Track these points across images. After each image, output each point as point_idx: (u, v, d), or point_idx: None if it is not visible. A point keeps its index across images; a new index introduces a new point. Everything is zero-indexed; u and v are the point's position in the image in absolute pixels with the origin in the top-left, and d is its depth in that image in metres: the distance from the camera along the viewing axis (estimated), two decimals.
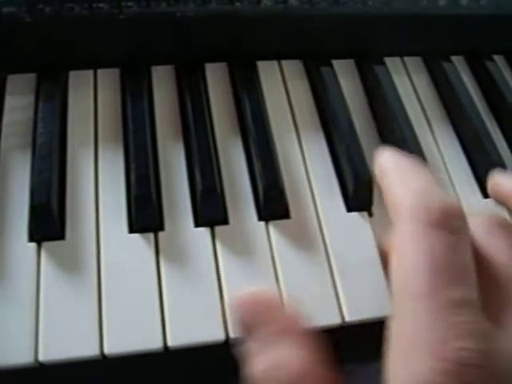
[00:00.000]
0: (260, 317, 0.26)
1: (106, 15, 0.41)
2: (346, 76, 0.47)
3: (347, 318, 0.33)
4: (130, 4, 0.41)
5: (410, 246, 0.25)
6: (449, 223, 0.25)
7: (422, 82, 0.48)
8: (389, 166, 0.30)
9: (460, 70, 0.49)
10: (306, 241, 0.36)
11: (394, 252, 0.26)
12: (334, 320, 0.33)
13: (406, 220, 0.26)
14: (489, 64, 0.49)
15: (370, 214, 0.38)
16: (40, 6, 0.40)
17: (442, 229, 0.25)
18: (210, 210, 0.36)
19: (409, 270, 0.24)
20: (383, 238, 0.34)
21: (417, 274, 0.24)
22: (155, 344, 0.32)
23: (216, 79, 0.45)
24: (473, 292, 0.24)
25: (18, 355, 0.31)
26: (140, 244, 0.35)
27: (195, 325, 0.33)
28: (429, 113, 0.46)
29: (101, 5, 0.41)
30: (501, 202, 0.35)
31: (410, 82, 0.48)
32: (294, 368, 0.24)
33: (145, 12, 0.41)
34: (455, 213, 0.26)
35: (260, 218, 0.37)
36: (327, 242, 0.36)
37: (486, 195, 0.41)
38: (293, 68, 0.47)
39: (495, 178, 0.36)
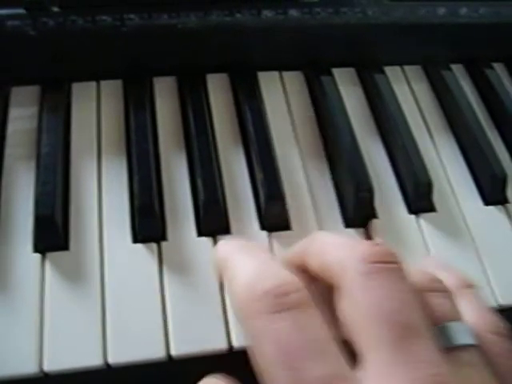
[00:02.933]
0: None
1: (109, 28, 0.41)
2: (346, 85, 0.47)
3: None
4: (132, 16, 0.41)
5: (257, 342, 0.24)
6: (285, 301, 0.24)
7: (422, 90, 0.48)
8: (222, 259, 0.30)
9: (460, 78, 0.49)
10: None
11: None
12: None
13: (244, 319, 0.25)
14: (488, 72, 0.49)
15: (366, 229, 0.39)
16: (44, 20, 0.41)
17: (278, 311, 0.24)
18: (213, 220, 0.37)
19: (266, 367, 0.23)
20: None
21: (273, 369, 0.23)
22: (159, 353, 0.32)
23: (217, 90, 0.45)
24: (337, 361, 0.23)
25: (23, 365, 0.31)
26: (143, 254, 0.35)
27: (198, 334, 0.33)
28: (429, 121, 0.46)
29: (103, 17, 0.41)
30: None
31: (410, 91, 0.48)
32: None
33: (147, 24, 0.42)
34: (286, 289, 0.24)
35: (262, 228, 0.37)
36: None
37: (486, 203, 0.41)
38: (293, 78, 0.47)
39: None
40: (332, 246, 0.27)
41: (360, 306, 0.24)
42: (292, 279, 0.25)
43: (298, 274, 0.26)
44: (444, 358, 0.23)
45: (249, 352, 0.25)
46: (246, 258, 0.28)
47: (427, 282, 0.26)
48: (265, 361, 0.24)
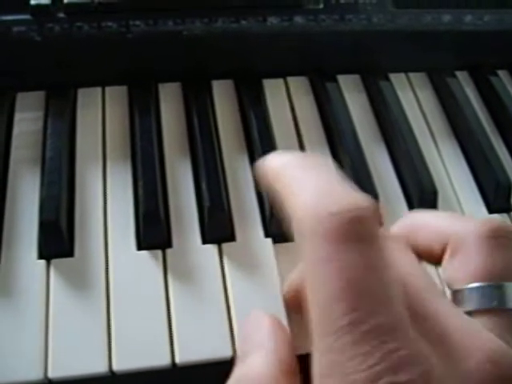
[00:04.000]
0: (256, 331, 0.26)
1: (114, 34, 0.42)
2: (351, 92, 0.47)
3: None
4: (137, 23, 0.42)
5: (319, 271, 0.20)
6: (361, 231, 0.21)
7: (427, 97, 0.48)
8: (279, 168, 0.25)
9: (464, 84, 0.49)
10: None
11: (307, 284, 0.21)
12: None
13: (306, 238, 0.21)
14: (493, 79, 0.49)
15: None
16: (49, 25, 0.41)
17: (349, 240, 0.20)
18: (218, 227, 0.37)
19: (325, 301, 0.20)
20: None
21: (333, 307, 0.20)
22: (163, 361, 0.32)
23: (222, 96, 0.45)
24: (399, 312, 0.20)
25: (27, 371, 0.31)
26: (148, 261, 0.35)
27: (203, 341, 0.33)
28: (433, 128, 0.46)
29: (109, 24, 0.41)
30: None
31: (414, 98, 0.48)
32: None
33: (152, 31, 0.42)
34: (361, 215, 0.21)
35: (267, 235, 0.37)
36: None
37: (491, 210, 0.41)
38: (298, 84, 0.47)
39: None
40: (442, 218, 0.27)
41: (481, 261, 0.24)
42: (366, 204, 0.21)
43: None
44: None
45: (306, 281, 0.21)
46: (311, 175, 0.23)
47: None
48: (323, 295, 0.20)
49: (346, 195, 0.21)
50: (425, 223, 0.28)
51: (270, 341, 0.25)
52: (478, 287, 0.24)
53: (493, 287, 0.23)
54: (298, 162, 0.24)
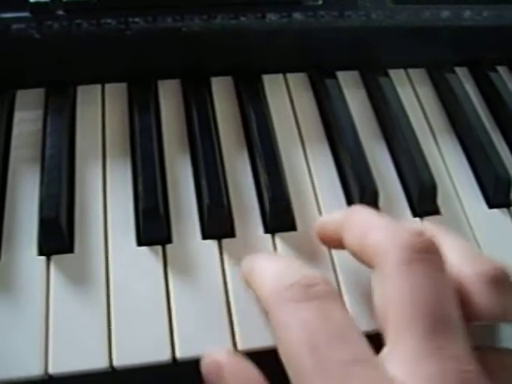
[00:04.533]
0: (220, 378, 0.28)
1: (114, 31, 0.41)
2: (350, 88, 0.47)
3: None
4: (136, 20, 0.42)
5: (283, 330, 0.25)
6: (311, 292, 0.26)
7: (426, 93, 0.48)
8: (247, 271, 0.32)
9: (464, 80, 0.49)
10: (311, 252, 0.36)
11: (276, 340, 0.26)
12: None
13: (270, 309, 0.26)
14: (492, 75, 0.49)
15: None
16: (49, 23, 0.41)
17: (304, 301, 0.25)
18: (217, 223, 0.37)
19: (289, 351, 0.25)
20: None
21: (299, 355, 0.24)
22: (164, 356, 0.32)
23: (222, 93, 0.45)
24: (360, 346, 0.24)
25: (27, 368, 0.31)
26: (148, 257, 0.35)
27: (203, 336, 0.33)
28: (433, 124, 0.46)
29: (108, 21, 0.41)
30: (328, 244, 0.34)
31: (414, 94, 0.48)
32: None
33: (151, 27, 0.42)
34: (310, 281, 0.26)
35: (267, 231, 0.37)
36: (333, 253, 0.36)
37: (491, 206, 0.41)
38: (298, 81, 0.47)
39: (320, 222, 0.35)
40: (374, 227, 0.28)
41: (398, 291, 0.25)
42: (317, 274, 0.27)
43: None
44: (474, 356, 0.23)
45: (277, 344, 0.26)
46: (271, 261, 0.30)
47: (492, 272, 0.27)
48: (290, 348, 0.24)
49: (296, 270, 0.27)
50: (356, 225, 0.30)
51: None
52: None
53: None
54: (257, 260, 0.31)
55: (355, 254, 0.29)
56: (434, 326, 0.23)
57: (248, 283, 0.31)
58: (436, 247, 0.26)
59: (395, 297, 0.25)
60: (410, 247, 0.26)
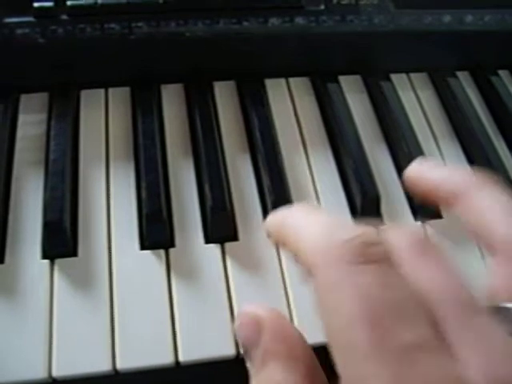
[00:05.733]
0: (259, 336, 0.24)
1: (117, 36, 0.42)
2: (352, 92, 0.47)
3: None
4: (140, 25, 0.42)
5: (333, 295, 0.20)
6: (372, 253, 0.21)
7: (428, 97, 0.48)
8: (280, 221, 0.25)
9: (465, 85, 0.49)
10: None
11: (318, 309, 0.21)
12: None
13: (319, 266, 0.21)
14: (494, 79, 0.49)
15: None
16: (53, 27, 0.41)
17: (365, 263, 0.20)
18: (220, 227, 0.37)
19: (340, 325, 0.19)
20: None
21: (354, 328, 0.19)
22: (167, 359, 0.32)
23: (225, 97, 0.46)
24: (425, 329, 0.19)
25: (32, 370, 0.31)
26: (151, 260, 0.36)
27: (206, 340, 0.33)
28: (435, 128, 0.46)
29: (112, 26, 0.42)
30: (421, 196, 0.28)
31: (415, 98, 0.48)
32: None
33: (154, 32, 0.42)
34: (370, 239, 0.21)
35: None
36: None
37: None
38: (300, 85, 0.47)
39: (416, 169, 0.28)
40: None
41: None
42: (373, 230, 0.22)
43: None
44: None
45: (320, 313, 0.21)
46: (314, 213, 0.23)
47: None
48: (340, 319, 0.20)
49: (350, 226, 0.22)
50: (477, 205, 0.25)
51: (281, 344, 0.23)
52: None
53: None
54: (298, 211, 0.25)
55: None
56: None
57: (279, 238, 0.25)
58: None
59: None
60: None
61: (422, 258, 0.22)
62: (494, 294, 0.22)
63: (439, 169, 0.28)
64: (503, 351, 0.19)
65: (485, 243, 0.24)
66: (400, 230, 0.23)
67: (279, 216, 0.26)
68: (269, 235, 0.27)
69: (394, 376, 0.18)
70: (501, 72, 0.51)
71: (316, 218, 0.23)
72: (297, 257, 0.23)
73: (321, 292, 0.21)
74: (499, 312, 0.21)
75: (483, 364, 0.19)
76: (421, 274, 0.21)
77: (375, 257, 0.21)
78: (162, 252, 0.36)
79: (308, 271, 0.22)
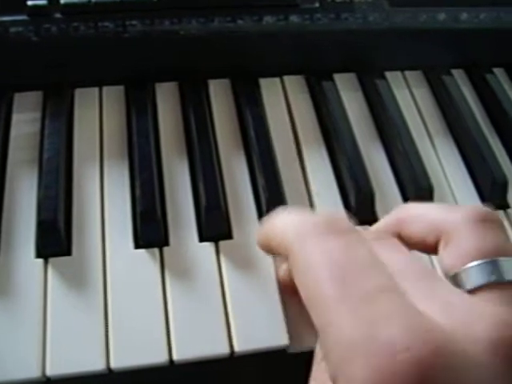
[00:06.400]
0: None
1: (111, 34, 0.42)
2: (347, 90, 0.47)
3: None
4: (134, 23, 0.42)
5: (304, 262, 0.24)
6: (336, 227, 0.25)
7: (423, 95, 0.48)
8: (264, 232, 0.30)
9: (460, 83, 0.49)
10: None
11: (295, 278, 0.25)
12: None
13: (292, 243, 0.25)
14: (489, 77, 0.49)
15: None
16: (46, 26, 0.41)
17: (330, 234, 0.24)
18: (214, 225, 0.37)
19: (312, 283, 0.23)
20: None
21: (322, 283, 0.23)
22: (161, 358, 0.32)
23: (219, 95, 0.45)
24: (384, 277, 0.23)
25: (25, 370, 0.31)
26: (145, 259, 0.36)
27: (200, 339, 0.33)
28: (430, 126, 0.46)
29: (106, 24, 0.42)
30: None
31: (410, 96, 0.48)
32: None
33: (149, 30, 0.42)
34: (339, 218, 0.26)
35: None
36: None
37: None
38: (295, 83, 0.47)
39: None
40: (438, 208, 0.28)
41: (470, 242, 0.25)
42: (339, 215, 0.27)
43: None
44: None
45: (297, 283, 0.25)
46: (290, 213, 0.28)
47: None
48: (312, 279, 0.23)
49: (318, 214, 0.27)
50: (416, 215, 0.29)
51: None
52: (473, 266, 0.24)
53: (488, 263, 0.24)
54: (273, 218, 0.29)
55: (417, 243, 0.28)
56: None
57: (267, 243, 0.29)
58: (497, 215, 0.27)
59: (468, 246, 0.25)
60: (477, 214, 0.26)
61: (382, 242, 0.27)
62: (448, 271, 0.26)
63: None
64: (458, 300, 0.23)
65: (431, 241, 0.27)
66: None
67: (261, 230, 0.30)
68: (262, 248, 0.31)
69: (353, 316, 0.21)
70: (496, 70, 0.51)
71: (288, 214, 0.27)
72: (278, 251, 0.28)
73: (295, 263, 0.25)
74: (455, 279, 0.25)
75: (443, 308, 0.22)
76: (382, 253, 0.25)
77: (340, 229, 0.25)
78: (156, 251, 0.36)
79: (285, 256, 0.26)
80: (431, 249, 0.28)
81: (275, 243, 0.28)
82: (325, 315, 0.22)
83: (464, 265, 0.25)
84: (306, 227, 0.25)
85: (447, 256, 0.26)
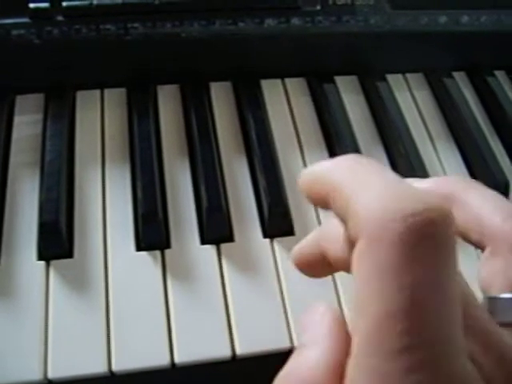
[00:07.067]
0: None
1: (113, 37, 0.42)
2: (348, 92, 0.47)
3: None
4: (135, 25, 0.42)
5: (377, 283, 0.17)
6: (430, 236, 0.17)
7: (424, 97, 0.48)
8: (325, 174, 0.21)
9: (461, 85, 0.49)
10: None
11: (356, 286, 0.18)
12: None
13: (370, 240, 0.18)
14: (490, 79, 0.49)
15: None
16: (48, 28, 0.41)
17: (419, 245, 0.17)
18: (216, 228, 0.37)
19: (376, 318, 0.17)
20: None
21: (389, 325, 0.17)
22: (162, 361, 0.32)
23: (221, 98, 0.45)
24: (461, 341, 0.18)
25: (27, 372, 0.31)
26: (147, 261, 0.36)
27: (202, 341, 0.33)
28: (431, 128, 0.46)
29: (107, 26, 0.42)
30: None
31: (412, 98, 0.48)
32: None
33: (150, 33, 0.42)
34: (441, 218, 0.18)
35: (265, 236, 0.38)
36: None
37: None
38: (296, 85, 0.47)
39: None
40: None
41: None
42: (439, 204, 0.18)
43: None
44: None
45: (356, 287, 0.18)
46: (371, 176, 0.19)
47: None
48: (378, 307, 0.17)
49: (413, 194, 0.18)
50: (467, 202, 0.23)
51: (329, 340, 0.21)
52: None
53: None
54: (347, 163, 0.20)
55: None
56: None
57: (320, 195, 0.21)
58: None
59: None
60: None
61: None
62: (486, 286, 0.22)
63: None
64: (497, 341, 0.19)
65: (475, 239, 0.24)
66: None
67: (323, 167, 0.21)
68: (303, 190, 0.22)
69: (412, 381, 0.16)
70: (497, 72, 0.51)
71: (375, 178, 0.19)
72: (340, 219, 0.20)
73: (361, 272, 0.18)
74: (491, 303, 0.21)
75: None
76: None
77: (436, 239, 0.17)
78: (157, 253, 0.36)
79: (350, 241, 0.19)
80: (473, 243, 0.23)
81: (340, 207, 0.20)
82: (374, 356, 0.17)
83: (506, 291, 0.21)
84: (393, 222, 0.17)
85: (491, 270, 0.22)
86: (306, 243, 0.26)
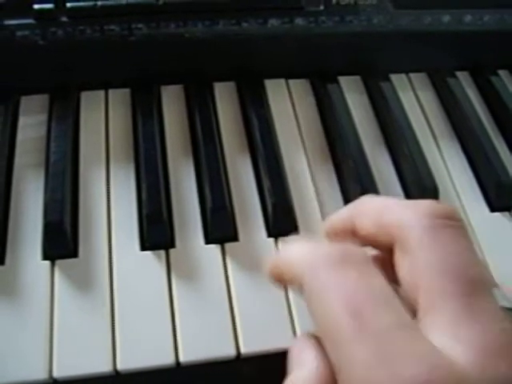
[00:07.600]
0: None
1: (117, 37, 0.42)
2: (352, 93, 0.47)
3: None
4: (139, 26, 0.42)
5: (319, 294, 0.23)
6: (350, 258, 0.24)
7: (428, 97, 0.49)
8: (274, 262, 0.28)
9: (465, 85, 0.49)
10: None
11: (309, 310, 0.24)
12: None
13: (306, 274, 0.24)
14: (494, 79, 0.49)
15: None
16: (53, 29, 0.41)
17: (343, 264, 0.24)
18: (220, 227, 0.37)
19: (326, 317, 0.23)
20: None
21: (338, 318, 0.22)
22: (167, 360, 0.32)
23: (224, 98, 0.46)
24: (403, 314, 0.22)
25: (32, 371, 0.31)
26: (151, 261, 0.36)
27: (207, 340, 0.33)
28: (435, 128, 0.46)
29: (112, 27, 0.42)
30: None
31: (415, 98, 0.48)
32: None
33: (154, 33, 0.42)
34: (353, 249, 0.25)
35: (269, 235, 0.38)
36: None
37: (492, 210, 0.41)
38: (300, 86, 0.47)
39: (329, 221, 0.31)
40: (389, 205, 0.27)
41: (427, 260, 0.24)
42: (352, 245, 0.25)
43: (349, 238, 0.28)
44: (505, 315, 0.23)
45: (312, 314, 0.24)
46: (300, 243, 0.27)
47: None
48: (327, 313, 0.23)
49: (330, 244, 0.27)
50: (368, 210, 0.28)
51: (313, 360, 0.25)
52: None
53: None
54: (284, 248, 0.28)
55: (370, 239, 0.27)
56: (469, 289, 0.23)
57: (280, 274, 0.28)
58: (456, 212, 0.26)
59: (427, 266, 0.24)
60: (431, 214, 0.25)
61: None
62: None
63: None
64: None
65: (377, 243, 0.27)
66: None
67: (273, 260, 0.29)
68: (273, 279, 0.29)
69: (374, 354, 0.21)
70: (500, 72, 0.51)
71: (300, 243, 0.26)
72: (291, 282, 0.26)
73: (309, 294, 0.24)
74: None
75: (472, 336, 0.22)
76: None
77: (353, 260, 0.24)
78: (162, 253, 0.36)
79: (299, 286, 0.25)
80: (384, 249, 0.27)
81: (288, 274, 0.26)
82: (342, 350, 0.22)
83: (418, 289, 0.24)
84: (319, 258, 0.24)
85: (405, 271, 0.25)
86: (338, 216, 0.30)
